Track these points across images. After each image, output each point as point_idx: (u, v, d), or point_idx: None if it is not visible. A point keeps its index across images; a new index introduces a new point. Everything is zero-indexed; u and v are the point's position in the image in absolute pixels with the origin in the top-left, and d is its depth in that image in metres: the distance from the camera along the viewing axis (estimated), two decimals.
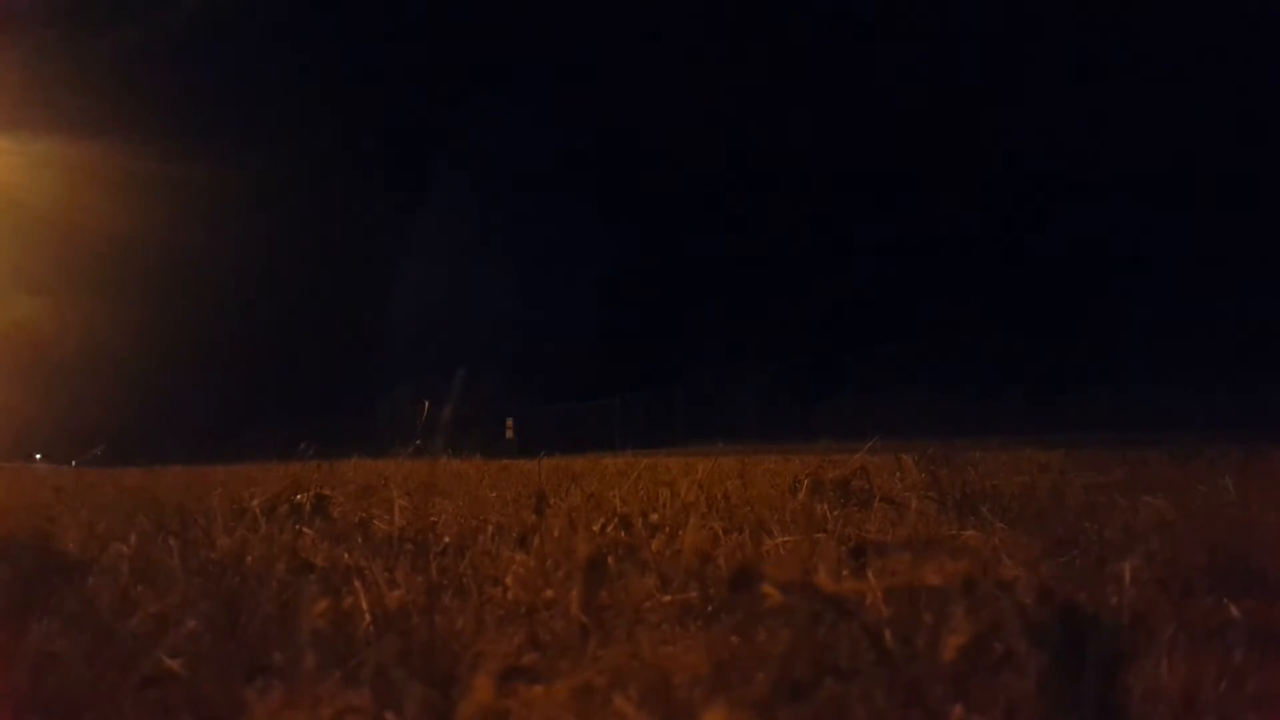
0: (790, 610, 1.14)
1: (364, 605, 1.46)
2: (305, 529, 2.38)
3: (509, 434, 30.84)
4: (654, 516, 2.46)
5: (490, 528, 2.43)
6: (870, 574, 1.34)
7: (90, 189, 29.51)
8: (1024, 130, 26.71)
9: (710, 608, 1.45)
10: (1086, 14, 24.94)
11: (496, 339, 37.45)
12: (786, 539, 2.02)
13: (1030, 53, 26.71)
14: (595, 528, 2.23)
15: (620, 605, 1.47)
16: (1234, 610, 1.45)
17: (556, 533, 2.04)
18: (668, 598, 1.55)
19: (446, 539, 2.19)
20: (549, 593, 1.52)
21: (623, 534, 2.15)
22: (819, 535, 2.12)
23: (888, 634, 1.12)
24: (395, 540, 2.18)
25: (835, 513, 2.66)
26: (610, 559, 1.63)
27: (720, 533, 2.15)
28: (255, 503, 2.91)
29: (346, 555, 1.89)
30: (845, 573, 1.54)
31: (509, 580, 1.65)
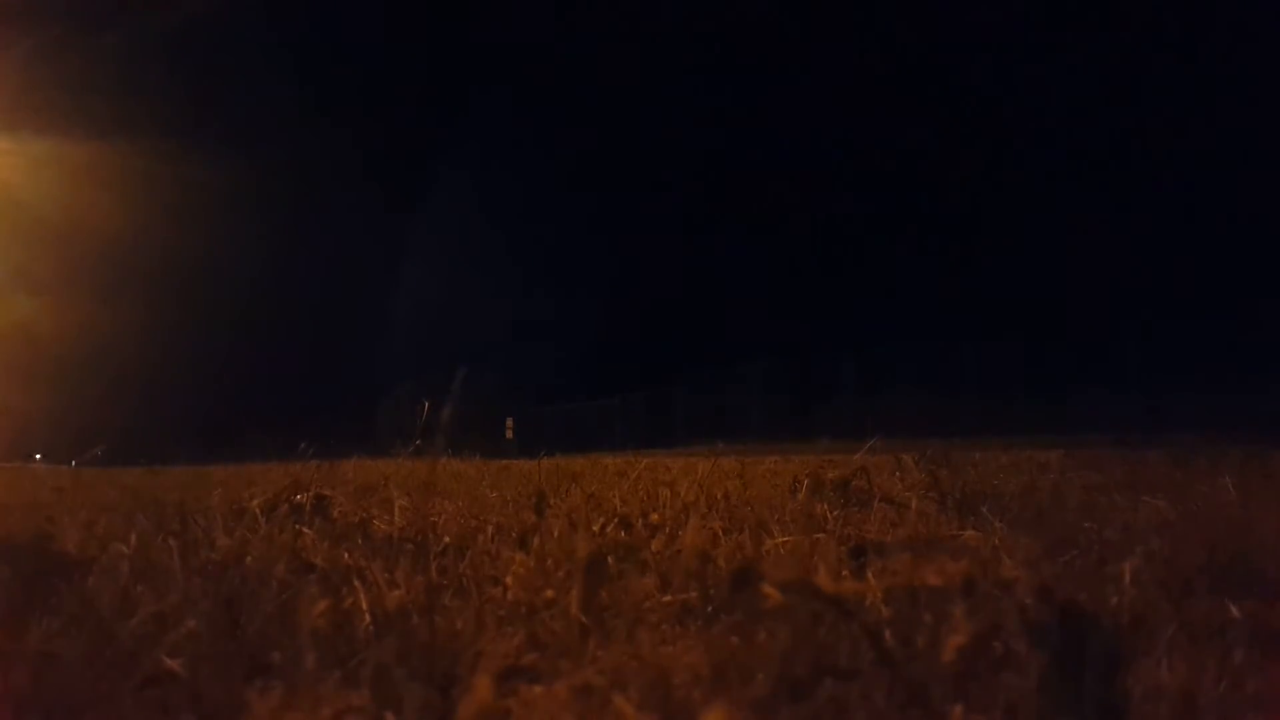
0: (790, 610, 1.14)
1: (364, 605, 1.46)
2: (305, 529, 2.38)
3: (509, 434, 30.84)
4: (654, 516, 2.46)
5: (490, 528, 2.43)
6: (870, 574, 1.34)
7: (90, 189, 29.50)
8: (1025, 130, 26.74)
9: (710, 608, 1.45)
10: (1088, 13, 24.96)
11: (497, 339, 37.44)
12: (786, 539, 2.02)
13: (1030, 51, 26.73)
14: (595, 528, 2.23)
15: (620, 605, 1.47)
16: (1234, 610, 1.45)
17: (556, 533, 2.04)
18: (668, 598, 1.55)
19: (446, 539, 2.18)
20: (549, 593, 1.52)
21: (623, 534, 2.15)
22: (819, 535, 2.12)
23: (888, 634, 1.12)
24: (395, 540, 2.18)
25: (835, 513, 2.66)
26: (610, 559, 1.63)
27: (720, 533, 2.15)
28: (255, 503, 2.91)
29: (346, 555, 1.89)
30: (845, 573, 1.54)
31: (509, 580, 1.65)
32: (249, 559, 1.92)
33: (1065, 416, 13.99)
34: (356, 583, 1.57)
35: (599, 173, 39.68)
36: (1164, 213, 21.46)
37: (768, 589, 1.15)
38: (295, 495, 2.96)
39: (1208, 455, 4.78)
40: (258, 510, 2.75)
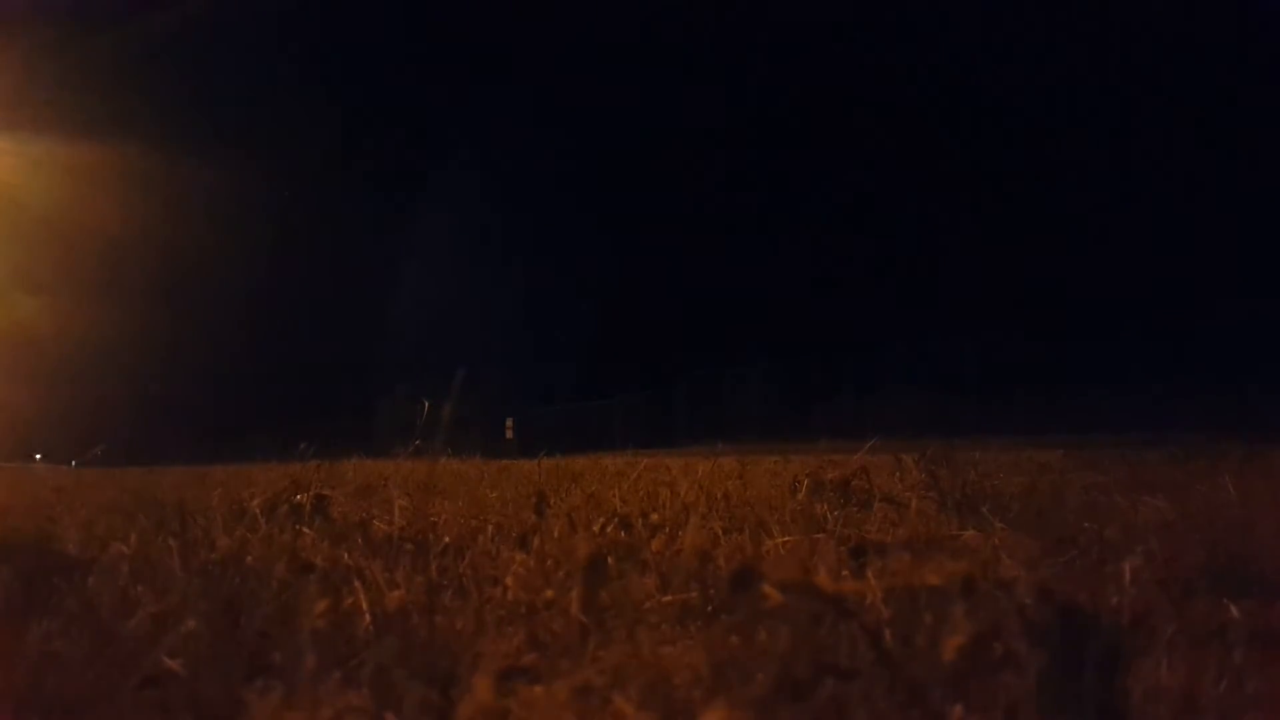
0: (790, 610, 1.14)
1: (364, 605, 1.46)
2: (305, 529, 2.38)
3: (509, 434, 30.81)
4: (654, 516, 2.46)
5: (490, 528, 2.43)
6: (870, 574, 1.34)
7: (90, 189, 29.49)
8: (1025, 129, 26.73)
9: (710, 608, 1.45)
10: (1090, 12, 24.95)
11: (496, 339, 37.39)
12: (786, 539, 2.02)
13: (1032, 48, 26.72)
14: (595, 528, 2.23)
15: (620, 605, 1.47)
16: (1234, 610, 1.45)
17: (556, 533, 2.04)
18: (668, 598, 1.55)
19: (446, 539, 2.18)
20: (549, 593, 1.52)
21: (623, 534, 2.15)
22: (819, 535, 2.12)
23: (888, 634, 1.12)
24: (395, 540, 2.18)
25: (835, 513, 2.66)
26: (610, 559, 1.63)
27: (720, 533, 2.15)
28: (255, 503, 2.91)
29: (346, 555, 1.89)
30: (845, 573, 1.54)
31: (509, 580, 1.65)
32: (249, 559, 1.92)
33: (1065, 416, 13.98)
34: (356, 583, 1.57)
35: (600, 172, 39.68)
36: (1164, 211, 21.46)
37: (768, 589, 1.15)
38: (295, 495, 2.96)
39: (1208, 455, 4.78)
40: (258, 510, 2.75)
